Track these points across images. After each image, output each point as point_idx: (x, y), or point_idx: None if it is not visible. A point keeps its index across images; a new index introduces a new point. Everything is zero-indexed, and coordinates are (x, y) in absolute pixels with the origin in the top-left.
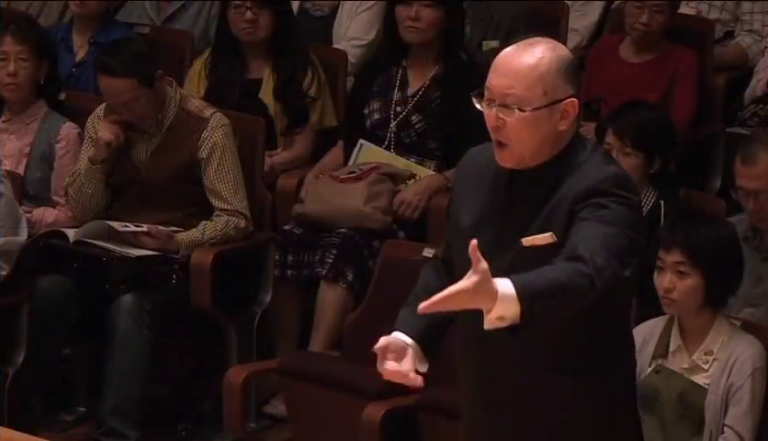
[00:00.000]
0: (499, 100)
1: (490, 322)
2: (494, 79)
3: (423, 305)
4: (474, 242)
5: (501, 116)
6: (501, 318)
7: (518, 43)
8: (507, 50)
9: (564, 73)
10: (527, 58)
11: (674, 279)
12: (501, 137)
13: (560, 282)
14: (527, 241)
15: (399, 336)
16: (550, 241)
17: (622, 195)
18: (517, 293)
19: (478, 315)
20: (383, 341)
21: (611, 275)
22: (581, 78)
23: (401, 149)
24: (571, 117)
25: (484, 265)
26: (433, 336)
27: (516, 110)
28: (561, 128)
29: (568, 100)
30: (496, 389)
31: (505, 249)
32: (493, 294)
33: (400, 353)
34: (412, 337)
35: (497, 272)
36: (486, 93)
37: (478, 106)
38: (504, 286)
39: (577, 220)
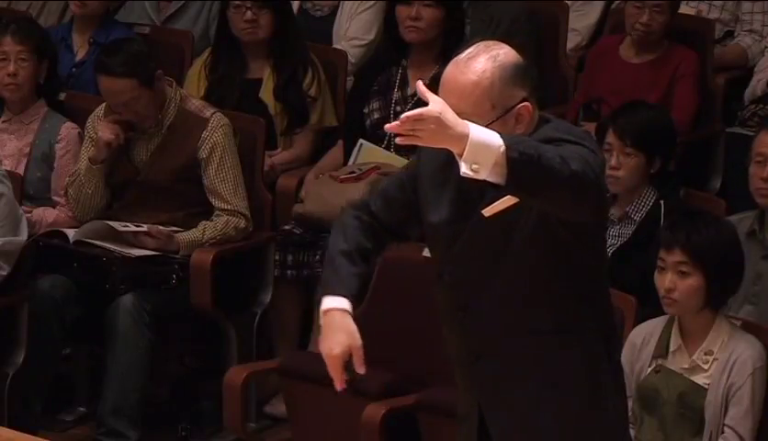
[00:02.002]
0: None
1: (465, 168)
2: (442, 98)
3: (389, 126)
4: (419, 81)
5: None
6: (475, 163)
7: (460, 57)
8: (451, 66)
9: (510, 80)
10: (469, 75)
11: (675, 279)
12: None
13: (542, 146)
14: (489, 210)
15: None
16: (511, 202)
17: (572, 140)
18: (503, 140)
19: (455, 299)
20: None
21: (580, 165)
22: (535, 75)
23: (401, 149)
24: (527, 119)
25: (436, 97)
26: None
27: None
28: (518, 131)
29: (520, 105)
30: (483, 367)
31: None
32: (461, 132)
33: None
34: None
35: (471, 256)
36: None
37: None
38: (479, 131)
39: None
